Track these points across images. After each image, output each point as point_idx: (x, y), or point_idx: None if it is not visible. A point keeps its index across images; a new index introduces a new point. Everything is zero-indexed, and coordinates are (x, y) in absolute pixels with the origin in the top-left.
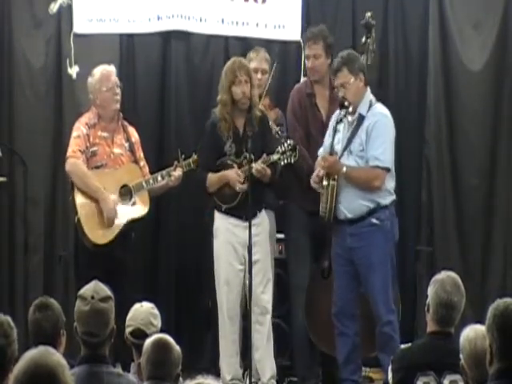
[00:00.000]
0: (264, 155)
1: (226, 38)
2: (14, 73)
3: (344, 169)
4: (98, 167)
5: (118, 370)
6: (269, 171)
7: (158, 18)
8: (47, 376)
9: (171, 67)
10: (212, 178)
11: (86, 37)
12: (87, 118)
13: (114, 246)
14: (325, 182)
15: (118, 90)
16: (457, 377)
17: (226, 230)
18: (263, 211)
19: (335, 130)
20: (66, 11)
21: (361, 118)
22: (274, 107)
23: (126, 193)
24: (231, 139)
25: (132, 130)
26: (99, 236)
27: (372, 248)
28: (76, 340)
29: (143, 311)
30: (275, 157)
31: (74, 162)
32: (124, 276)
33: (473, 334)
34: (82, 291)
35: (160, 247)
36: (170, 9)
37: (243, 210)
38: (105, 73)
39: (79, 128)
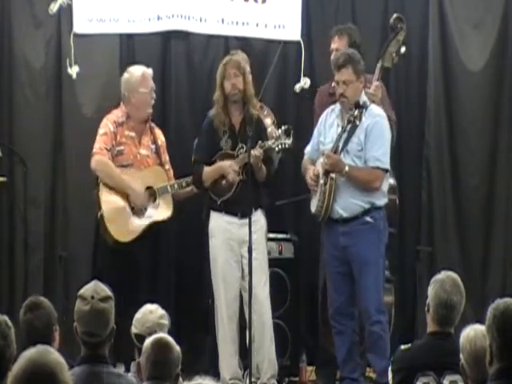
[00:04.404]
0: (259, 141)
1: (226, 38)
2: (14, 73)
3: (347, 168)
4: (123, 166)
5: (118, 370)
6: (263, 167)
7: (158, 18)
8: (46, 375)
9: (171, 67)
10: (207, 170)
11: (86, 37)
12: (115, 115)
13: (134, 246)
14: (322, 181)
15: (154, 95)
16: (457, 377)
17: (221, 229)
18: (259, 210)
19: (344, 130)
20: (66, 11)
21: None
22: (265, 110)
23: (150, 195)
24: (227, 134)
25: (159, 133)
26: (122, 234)
27: (366, 245)
28: (76, 340)
29: (151, 320)
30: (270, 142)
31: (100, 158)
32: (140, 277)
33: (473, 333)
34: (81, 291)
35: (160, 247)
36: (170, 9)
37: (238, 206)
38: (146, 74)
39: (106, 125)
